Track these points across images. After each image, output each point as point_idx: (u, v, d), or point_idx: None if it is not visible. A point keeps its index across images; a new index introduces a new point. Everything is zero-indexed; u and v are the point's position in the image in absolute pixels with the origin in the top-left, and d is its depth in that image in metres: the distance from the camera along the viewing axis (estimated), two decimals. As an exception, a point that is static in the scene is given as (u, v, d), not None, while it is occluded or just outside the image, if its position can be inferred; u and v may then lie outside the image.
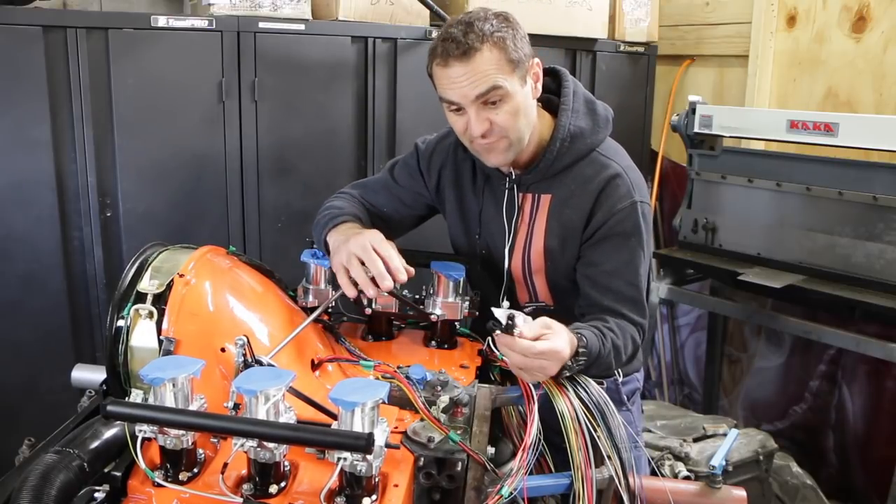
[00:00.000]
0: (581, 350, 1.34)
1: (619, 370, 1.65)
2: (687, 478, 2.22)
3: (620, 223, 1.53)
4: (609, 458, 1.20)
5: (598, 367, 1.41)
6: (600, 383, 1.31)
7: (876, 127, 2.36)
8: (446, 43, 1.43)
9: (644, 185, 1.60)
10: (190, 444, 1.03)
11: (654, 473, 1.97)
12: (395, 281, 1.40)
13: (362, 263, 1.41)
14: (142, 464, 0.99)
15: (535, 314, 1.37)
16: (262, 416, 0.98)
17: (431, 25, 2.63)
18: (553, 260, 1.60)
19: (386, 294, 1.48)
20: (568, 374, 1.32)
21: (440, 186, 1.74)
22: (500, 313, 1.25)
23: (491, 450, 1.17)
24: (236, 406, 1.04)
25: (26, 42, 2.00)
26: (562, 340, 1.28)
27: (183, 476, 1.03)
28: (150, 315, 1.20)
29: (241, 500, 0.98)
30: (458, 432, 1.16)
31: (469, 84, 1.43)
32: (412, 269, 1.43)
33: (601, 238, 1.54)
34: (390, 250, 1.43)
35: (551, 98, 1.60)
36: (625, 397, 1.72)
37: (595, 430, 1.22)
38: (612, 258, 1.54)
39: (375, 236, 1.46)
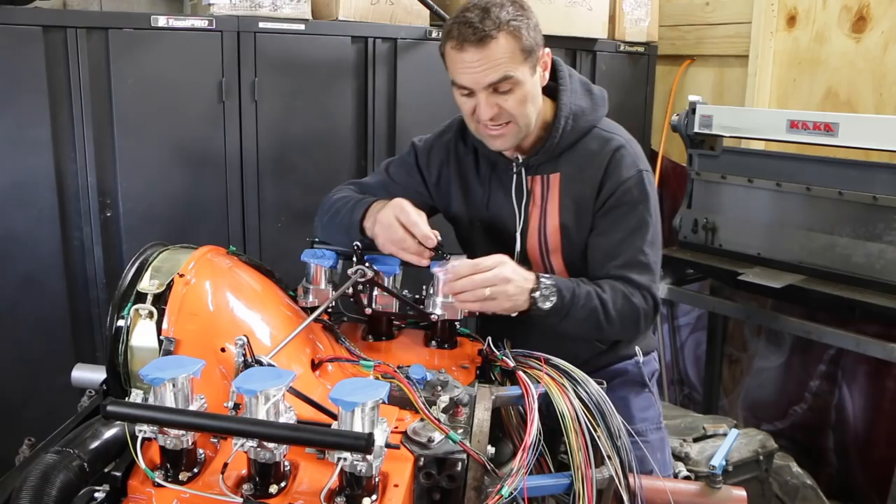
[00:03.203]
0: (544, 277, 1.47)
1: (639, 349, 1.72)
2: (687, 478, 2.22)
3: (628, 192, 1.58)
4: (609, 458, 1.20)
5: (578, 308, 1.48)
6: (600, 382, 1.30)
7: (876, 127, 2.36)
8: (462, 27, 1.45)
9: (644, 156, 1.66)
10: (190, 444, 1.03)
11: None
12: (426, 248, 1.47)
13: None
14: (142, 464, 0.99)
15: None
16: (262, 416, 0.98)
17: (431, 25, 2.63)
18: (569, 237, 1.64)
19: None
20: (542, 306, 1.44)
21: (441, 183, 1.75)
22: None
23: (491, 450, 1.17)
24: (236, 406, 1.04)
25: (26, 42, 2.00)
26: (502, 257, 1.43)
27: (183, 476, 1.03)
28: (150, 315, 1.20)
29: (241, 500, 0.98)
30: (458, 432, 1.16)
31: (482, 71, 1.45)
32: (437, 233, 1.47)
33: (610, 208, 1.59)
34: (414, 216, 1.48)
35: (549, 84, 1.63)
36: (646, 378, 1.75)
37: (595, 430, 1.22)
38: (621, 226, 1.58)
39: (397, 206, 1.50)
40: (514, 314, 1.48)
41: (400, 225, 1.48)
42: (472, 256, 1.64)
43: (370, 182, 1.82)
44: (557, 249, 1.65)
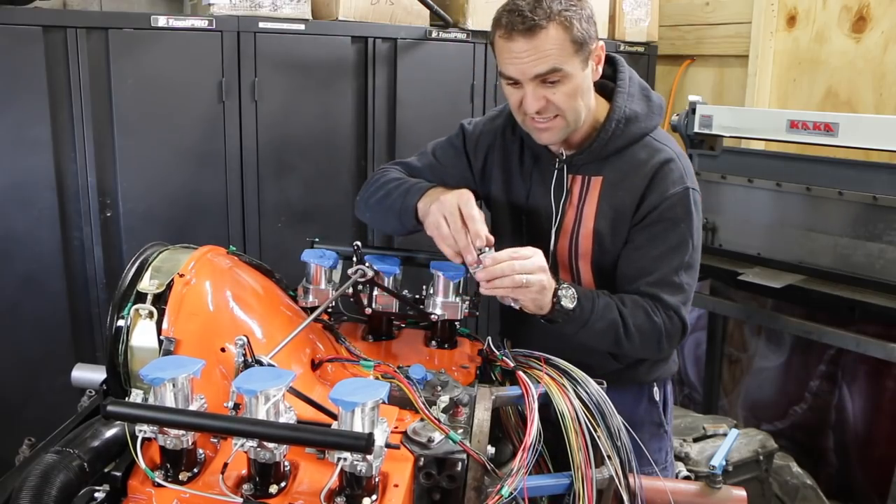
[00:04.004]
0: (562, 281, 1.45)
1: (656, 383, 1.67)
2: (687, 478, 2.22)
3: (672, 208, 1.52)
4: (609, 458, 1.20)
5: (597, 317, 1.46)
6: (600, 383, 1.30)
7: (876, 127, 2.35)
8: (512, 15, 1.41)
9: (693, 173, 1.60)
10: (190, 444, 1.03)
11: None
12: (472, 246, 1.42)
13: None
14: (142, 464, 0.99)
15: None
16: (262, 416, 0.98)
17: (431, 25, 2.63)
18: (601, 244, 1.58)
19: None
20: (565, 305, 1.43)
21: (486, 168, 1.71)
22: None
23: (491, 450, 1.17)
24: (236, 406, 1.04)
25: (26, 42, 2.00)
26: (537, 249, 1.42)
27: (183, 476, 1.03)
28: (150, 315, 1.20)
29: (241, 500, 0.98)
30: (458, 432, 1.16)
31: (530, 62, 1.41)
32: (492, 238, 1.43)
33: (651, 222, 1.53)
34: (476, 211, 1.44)
35: (606, 83, 1.59)
36: (663, 417, 1.72)
37: (595, 430, 1.22)
38: (659, 243, 1.53)
39: (463, 196, 1.46)
40: (536, 313, 1.45)
41: (460, 215, 1.44)
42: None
43: (416, 164, 1.76)
44: (587, 255, 1.60)
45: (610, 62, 1.61)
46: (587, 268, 1.62)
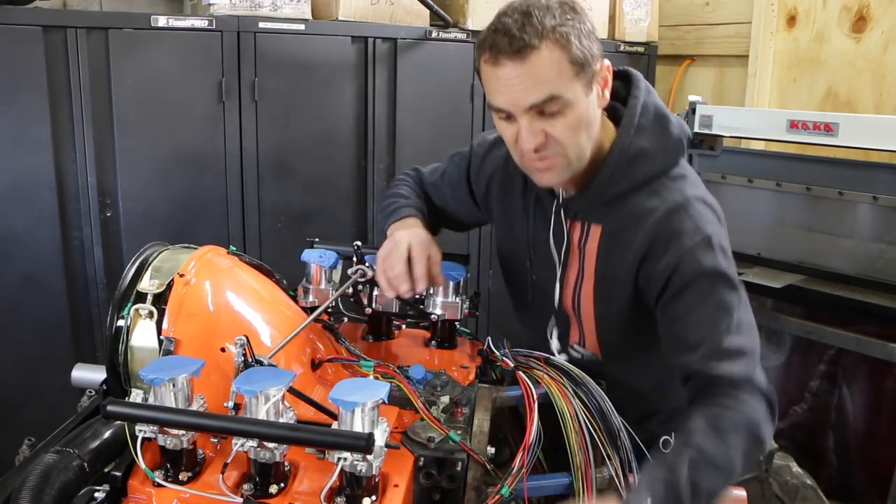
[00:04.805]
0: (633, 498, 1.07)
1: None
2: (687, 478, 2.21)
3: (695, 263, 1.23)
4: (609, 458, 1.20)
5: (686, 495, 1.08)
6: (600, 383, 1.29)
7: (876, 127, 2.35)
8: (497, 35, 1.17)
9: (715, 218, 1.30)
10: (190, 444, 1.03)
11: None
12: (413, 289, 1.35)
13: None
14: (142, 464, 0.99)
15: (580, 365, 1.33)
16: (262, 416, 0.98)
17: (431, 25, 2.63)
18: (603, 304, 1.36)
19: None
20: None
21: (488, 197, 1.55)
22: None
23: (491, 450, 1.17)
24: (236, 406, 1.04)
25: (26, 42, 2.00)
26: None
27: (183, 476, 1.03)
28: (150, 315, 1.20)
29: (241, 500, 0.98)
30: (458, 432, 1.16)
31: (522, 90, 1.18)
32: (441, 279, 1.37)
33: (679, 288, 1.24)
34: (420, 255, 1.36)
35: (617, 106, 1.34)
36: None
37: (595, 431, 1.22)
38: (697, 308, 1.23)
39: (416, 238, 1.38)
40: None
41: (407, 254, 1.35)
42: (511, 292, 1.59)
43: (427, 178, 1.65)
44: (590, 316, 1.39)
45: (624, 78, 1.36)
46: (591, 328, 1.42)
